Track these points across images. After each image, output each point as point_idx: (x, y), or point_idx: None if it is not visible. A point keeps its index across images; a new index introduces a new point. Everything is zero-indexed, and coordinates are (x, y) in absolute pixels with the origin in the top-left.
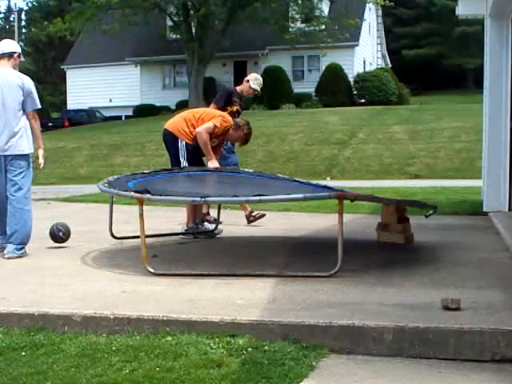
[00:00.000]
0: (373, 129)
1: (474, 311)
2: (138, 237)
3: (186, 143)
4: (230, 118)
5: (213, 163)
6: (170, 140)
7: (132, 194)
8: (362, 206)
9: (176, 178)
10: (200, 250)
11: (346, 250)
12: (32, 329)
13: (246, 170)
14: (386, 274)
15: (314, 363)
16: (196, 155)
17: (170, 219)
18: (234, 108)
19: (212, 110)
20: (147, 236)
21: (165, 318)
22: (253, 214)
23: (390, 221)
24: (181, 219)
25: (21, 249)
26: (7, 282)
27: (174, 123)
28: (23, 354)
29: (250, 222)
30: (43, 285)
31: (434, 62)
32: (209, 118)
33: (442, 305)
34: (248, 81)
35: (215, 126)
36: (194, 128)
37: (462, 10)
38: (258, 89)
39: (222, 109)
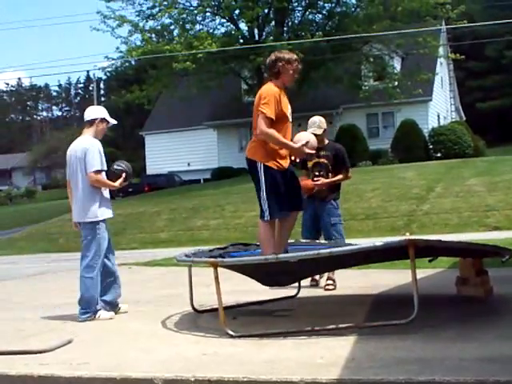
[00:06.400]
0: (450, 182)
1: None
2: (217, 309)
3: (265, 167)
4: (268, 88)
5: (300, 148)
6: (249, 168)
7: (206, 259)
8: (441, 261)
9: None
10: (278, 310)
11: (425, 305)
12: None
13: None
14: (465, 328)
15: None
16: (284, 183)
17: (247, 280)
18: (310, 163)
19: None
20: (226, 307)
21: (245, 379)
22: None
23: (468, 274)
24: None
25: (84, 313)
26: (90, 346)
27: (250, 146)
28: None
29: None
30: (124, 349)
31: (509, 113)
32: (258, 114)
33: None
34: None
35: (266, 111)
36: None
37: None
38: (313, 132)
39: (305, 169)
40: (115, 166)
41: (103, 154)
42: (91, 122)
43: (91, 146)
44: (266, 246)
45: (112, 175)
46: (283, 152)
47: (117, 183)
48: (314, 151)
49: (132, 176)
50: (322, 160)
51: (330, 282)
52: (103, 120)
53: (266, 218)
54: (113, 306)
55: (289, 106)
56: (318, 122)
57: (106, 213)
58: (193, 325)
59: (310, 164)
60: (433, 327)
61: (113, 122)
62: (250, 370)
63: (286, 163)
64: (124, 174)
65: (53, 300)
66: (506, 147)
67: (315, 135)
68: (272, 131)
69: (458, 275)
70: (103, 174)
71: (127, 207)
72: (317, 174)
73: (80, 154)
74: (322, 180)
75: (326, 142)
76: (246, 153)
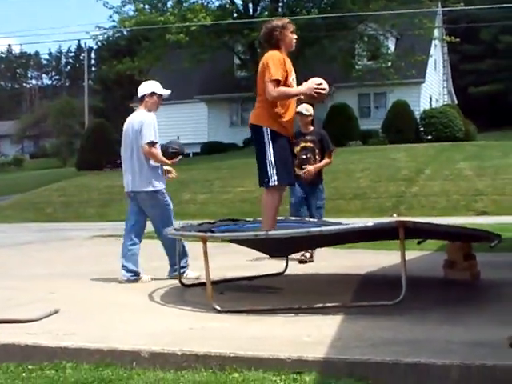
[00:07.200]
0: (439, 165)
1: None
2: (205, 284)
3: (272, 131)
4: (271, 54)
5: (309, 87)
6: (254, 134)
7: (195, 233)
8: (429, 243)
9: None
10: (266, 287)
11: (412, 288)
12: (100, 364)
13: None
14: (452, 312)
15: None
16: (289, 150)
17: (236, 256)
18: (297, 148)
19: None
20: (214, 282)
21: (232, 355)
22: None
23: (456, 258)
24: (247, 256)
25: (172, 271)
26: (77, 317)
27: (254, 113)
28: None
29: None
30: (111, 321)
31: (501, 98)
32: (265, 80)
33: (509, 342)
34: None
35: (272, 73)
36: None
37: None
38: (299, 110)
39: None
40: (170, 150)
41: (157, 128)
42: (141, 98)
43: (147, 118)
44: (267, 217)
45: (167, 154)
46: (288, 117)
47: (169, 162)
48: (324, 89)
49: (183, 153)
50: (308, 144)
51: (307, 254)
52: (152, 94)
53: (272, 183)
54: (135, 274)
55: (293, 72)
56: (305, 107)
57: (163, 182)
58: (180, 299)
59: (297, 149)
60: (419, 309)
61: (165, 92)
62: (237, 345)
63: (291, 128)
64: (179, 156)
65: (44, 270)
66: (497, 132)
67: (301, 114)
68: (278, 89)
69: (446, 258)
70: (157, 146)
71: (116, 179)
72: (304, 157)
73: (137, 126)
74: (309, 168)
75: (312, 128)
76: (249, 120)
